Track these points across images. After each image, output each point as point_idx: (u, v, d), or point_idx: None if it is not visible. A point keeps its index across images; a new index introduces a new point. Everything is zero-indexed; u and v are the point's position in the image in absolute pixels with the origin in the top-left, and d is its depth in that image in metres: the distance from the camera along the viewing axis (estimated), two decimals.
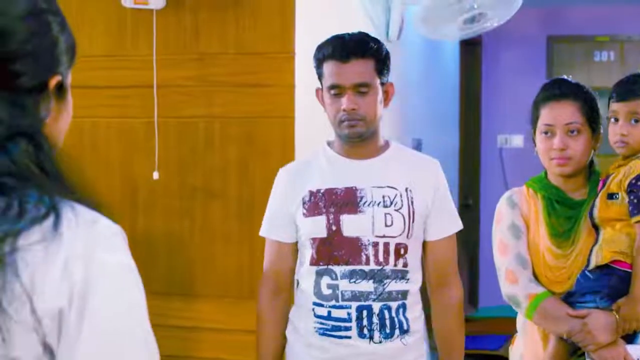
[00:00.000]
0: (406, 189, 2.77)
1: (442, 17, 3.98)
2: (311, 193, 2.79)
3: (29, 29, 1.20)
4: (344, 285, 2.72)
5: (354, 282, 2.71)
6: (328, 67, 2.75)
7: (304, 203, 2.79)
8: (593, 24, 7.58)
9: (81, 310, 1.10)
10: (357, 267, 2.71)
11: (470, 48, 7.40)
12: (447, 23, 4.05)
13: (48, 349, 1.10)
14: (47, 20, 1.25)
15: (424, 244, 2.84)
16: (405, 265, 2.75)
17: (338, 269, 2.73)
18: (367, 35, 2.82)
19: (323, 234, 2.74)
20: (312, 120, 3.54)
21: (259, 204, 3.59)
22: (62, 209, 1.13)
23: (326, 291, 2.74)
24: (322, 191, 2.77)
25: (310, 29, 3.67)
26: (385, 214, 2.73)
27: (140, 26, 3.77)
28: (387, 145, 2.87)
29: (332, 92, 2.75)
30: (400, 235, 2.74)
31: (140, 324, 1.17)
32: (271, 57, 3.63)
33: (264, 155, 3.64)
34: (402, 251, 2.74)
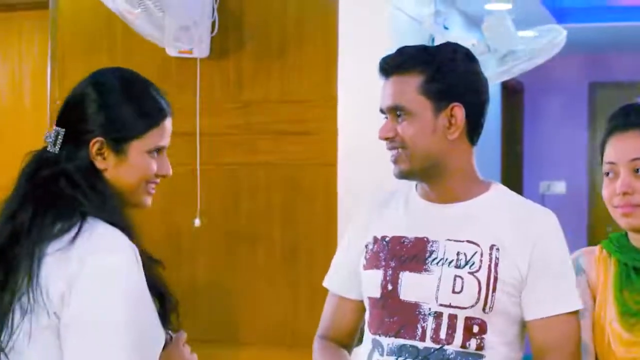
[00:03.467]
0: (491, 247, 2.03)
1: (486, 66, 4.00)
2: (375, 240, 2.15)
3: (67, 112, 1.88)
4: None
5: None
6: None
7: (366, 252, 2.16)
8: (636, 70, 7.55)
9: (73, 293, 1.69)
10: (408, 342, 2.03)
11: (512, 94, 7.39)
12: (489, 70, 4.07)
13: (56, 316, 1.69)
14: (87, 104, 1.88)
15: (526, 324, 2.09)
16: (480, 347, 2.01)
17: (386, 342, 2.06)
18: (444, 45, 2.15)
19: (377, 293, 2.09)
20: (355, 166, 3.55)
21: (302, 250, 3.59)
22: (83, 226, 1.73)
23: None
24: (387, 239, 2.12)
25: (353, 77, 3.68)
26: (456, 276, 2.02)
27: (185, 75, 3.81)
28: (484, 187, 2.14)
29: (382, 117, 2.13)
30: (472, 306, 2.01)
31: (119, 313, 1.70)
32: (314, 104, 3.65)
33: (308, 201, 3.64)
34: (475, 329, 2.01)
